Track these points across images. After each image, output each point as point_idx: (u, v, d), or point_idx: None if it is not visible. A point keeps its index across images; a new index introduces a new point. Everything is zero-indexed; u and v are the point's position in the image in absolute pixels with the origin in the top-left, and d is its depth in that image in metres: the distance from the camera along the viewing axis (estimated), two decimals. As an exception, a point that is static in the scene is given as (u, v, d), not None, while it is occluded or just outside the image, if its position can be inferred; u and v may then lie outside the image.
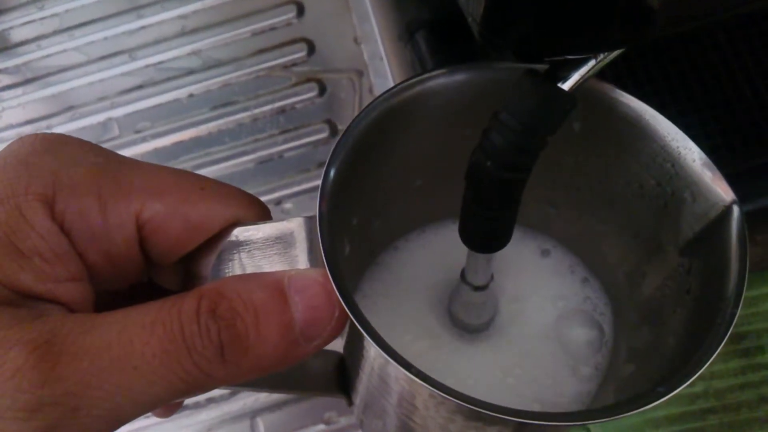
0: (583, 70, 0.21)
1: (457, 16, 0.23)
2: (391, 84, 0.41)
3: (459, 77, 0.25)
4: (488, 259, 0.25)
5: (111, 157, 0.22)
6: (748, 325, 0.39)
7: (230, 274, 0.24)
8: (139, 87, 0.51)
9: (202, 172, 0.48)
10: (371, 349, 0.21)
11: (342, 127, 0.45)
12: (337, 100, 0.50)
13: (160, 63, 0.52)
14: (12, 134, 0.51)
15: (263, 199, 0.25)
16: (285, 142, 0.49)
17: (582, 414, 0.25)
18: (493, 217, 0.22)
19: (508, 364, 0.29)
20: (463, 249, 0.25)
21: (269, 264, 0.23)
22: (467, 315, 0.29)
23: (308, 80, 0.50)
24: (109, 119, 0.51)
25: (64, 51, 0.53)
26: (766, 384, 0.38)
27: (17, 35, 0.54)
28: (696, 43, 0.43)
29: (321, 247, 0.21)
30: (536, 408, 0.28)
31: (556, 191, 0.28)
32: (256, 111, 0.50)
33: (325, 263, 0.21)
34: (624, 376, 0.27)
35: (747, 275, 0.21)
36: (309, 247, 0.23)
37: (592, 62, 0.21)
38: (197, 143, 0.49)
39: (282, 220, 0.23)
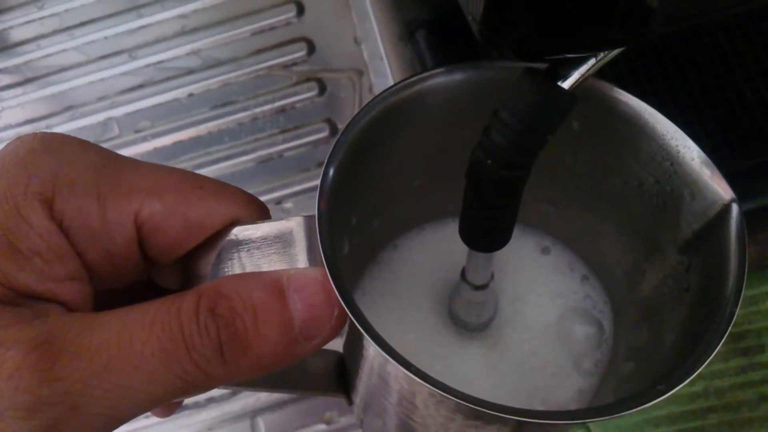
0: (583, 69, 0.21)
1: (457, 16, 0.23)
2: (391, 83, 0.41)
3: (458, 76, 0.25)
4: (488, 258, 0.25)
5: (110, 156, 0.22)
6: (749, 324, 0.39)
7: (229, 274, 0.24)
8: (139, 86, 0.51)
9: (202, 171, 0.48)
10: (371, 348, 0.21)
11: (342, 127, 0.45)
12: (337, 100, 0.50)
13: (159, 62, 0.52)
14: (11, 134, 0.51)
15: (263, 198, 0.25)
16: (285, 141, 0.49)
17: (582, 412, 0.25)
18: (494, 215, 0.22)
19: (508, 363, 0.29)
20: (463, 247, 0.25)
21: (268, 263, 0.23)
22: (467, 314, 0.29)
23: (308, 80, 0.50)
24: (109, 119, 0.51)
25: (64, 51, 0.53)
26: (766, 383, 0.38)
27: (17, 35, 0.54)
28: (696, 42, 0.43)
29: (320, 246, 0.21)
30: (536, 406, 0.28)
31: (555, 190, 0.28)
32: (256, 110, 0.50)
33: (324, 262, 0.21)
34: (624, 375, 0.27)
35: (746, 273, 0.21)
36: (308, 246, 0.23)
37: (592, 61, 0.21)
38: (197, 143, 0.49)
39: (281, 219, 0.23)
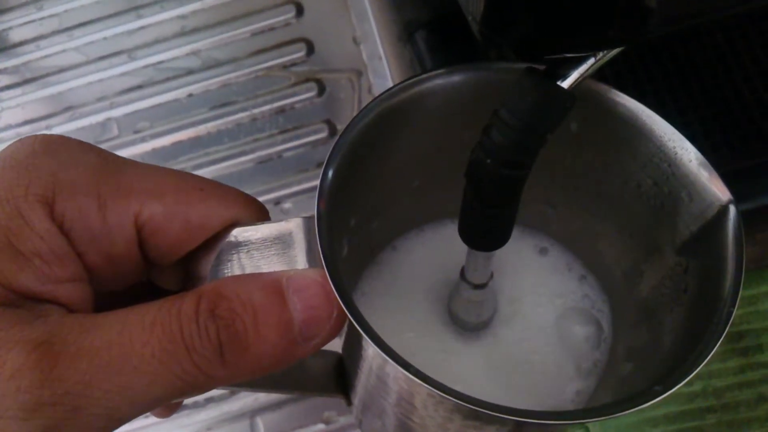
0: (582, 69, 0.21)
1: (457, 16, 0.23)
2: (391, 84, 0.42)
3: (458, 77, 0.25)
4: (488, 258, 0.25)
5: (110, 158, 0.22)
6: (747, 324, 0.39)
7: (229, 275, 0.24)
8: (139, 87, 0.51)
9: (202, 172, 0.48)
10: (370, 349, 0.21)
11: (341, 127, 0.45)
12: (336, 100, 0.50)
13: (159, 63, 0.52)
14: (11, 134, 0.51)
15: (262, 199, 0.26)
16: (284, 142, 0.49)
17: (580, 413, 0.25)
18: (493, 215, 0.22)
19: (507, 363, 0.29)
20: (462, 248, 0.25)
21: (268, 264, 0.23)
22: (467, 313, 0.29)
23: (307, 80, 0.50)
24: (109, 119, 0.51)
25: (64, 51, 0.53)
26: (765, 383, 0.38)
27: (16, 35, 0.54)
28: (695, 42, 0.43)
29: (319, 247, 0.21)
30: (535, 406, 0.28)
31: (554, 191, 0.28)
32: (255, 111, 0.50)
33: (324, 263, 0.21)
34: (622, 375, 0.27)
35: (744, 274, 0.21)
36: (307, 247, 0.23)
37: (591, 60, 0.21)
38: (196, 143, 0.49)
39: (281, 220, 0.23)
